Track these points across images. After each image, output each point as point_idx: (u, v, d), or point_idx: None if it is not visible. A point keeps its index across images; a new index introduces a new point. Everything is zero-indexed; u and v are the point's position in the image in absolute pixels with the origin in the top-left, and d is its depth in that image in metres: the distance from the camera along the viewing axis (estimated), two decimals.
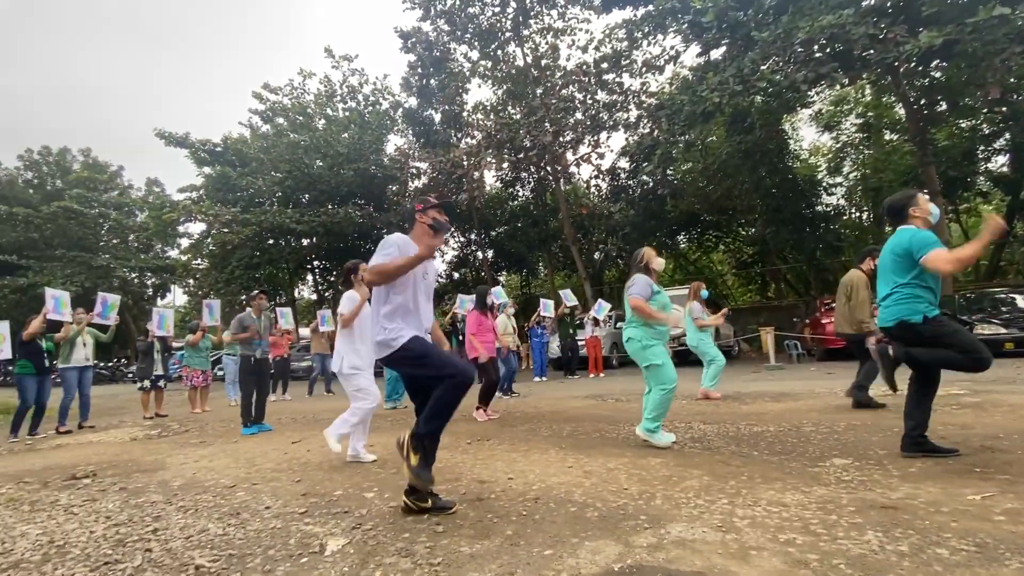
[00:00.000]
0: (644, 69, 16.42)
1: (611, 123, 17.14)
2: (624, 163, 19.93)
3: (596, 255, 22.73)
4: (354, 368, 3.97)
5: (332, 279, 26.64)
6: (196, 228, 22.61)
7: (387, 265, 2.49)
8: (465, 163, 16.27)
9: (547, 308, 10.69)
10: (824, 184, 20.37)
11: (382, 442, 4.50)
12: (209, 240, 21.09)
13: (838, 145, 20.89)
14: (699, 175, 19.22)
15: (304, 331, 19.79)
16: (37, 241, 25.10)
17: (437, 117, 20.08)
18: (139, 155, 58.23)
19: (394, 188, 19.93)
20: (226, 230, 18.42)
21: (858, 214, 22.50)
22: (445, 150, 17.11)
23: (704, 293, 6.50)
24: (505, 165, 20.41)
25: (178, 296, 31.74)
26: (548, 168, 18.54)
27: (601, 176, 20.23)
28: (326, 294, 26.45)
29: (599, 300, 11.47)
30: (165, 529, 2.57)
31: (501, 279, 27.39)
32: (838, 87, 14.46)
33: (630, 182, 20.16)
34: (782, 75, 10.46)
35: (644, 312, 3.79)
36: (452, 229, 2.93)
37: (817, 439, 3.80)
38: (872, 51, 9.56)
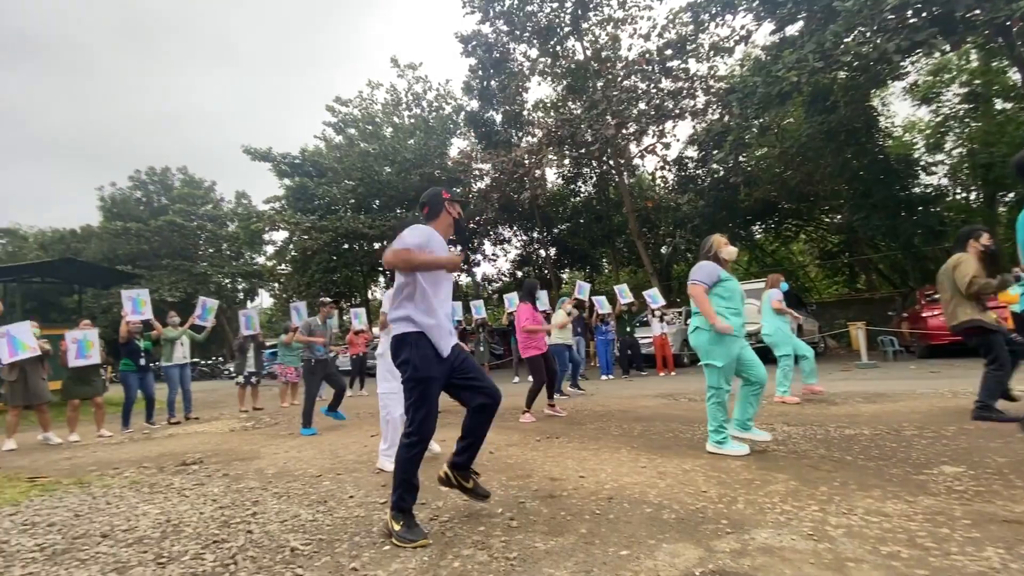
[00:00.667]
0: (712, 52, 15.66)
1: (677, 111, 16.50)
2: (692, 152, 19.13)
3: (663, 249, 22.00)
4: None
5: None
6: (280, 236, 24.33)
7: (415, 255, 2.29)
8: (526, 162, 16.31)
9: (602, 305, 10.46)
10: (922, 163, 18.43)
11: (452, 436, 4.61)
12: (291, 247, 22.67)
13: (938, 119, 18.82)
14: (775, 160, 18.05)
15: (377, 330, 20.80)
16: (147, 252, 28.08)
17: (498, 118, 20.28)
18: (229, 171, 63.79)
19: (457, 191, 20.37)
20: (306, 237, 19.69)
21: (964, 194, 20.17)
22: (507, 150, 17.25)
23: (783, 286, 6.08)
24: (566, 161, 20.31)
25: (265, 299, 34.36)
26: (611, 162, 18.19)
27: (667, 167, 19.55)
28: None
29: (646, 292, 11.07)
30: (263, 513, 2.79)
31: (564, 276, 27.25)
32: (937, 55, 13.04)
33: (699, 171, 19.31)
34: (870, 46, 9.57)
35: (701, 304, 3.45)
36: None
37: (921, 444, 3.45)
38: (978, 11, 8.53)
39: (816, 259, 24.29)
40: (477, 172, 19.16)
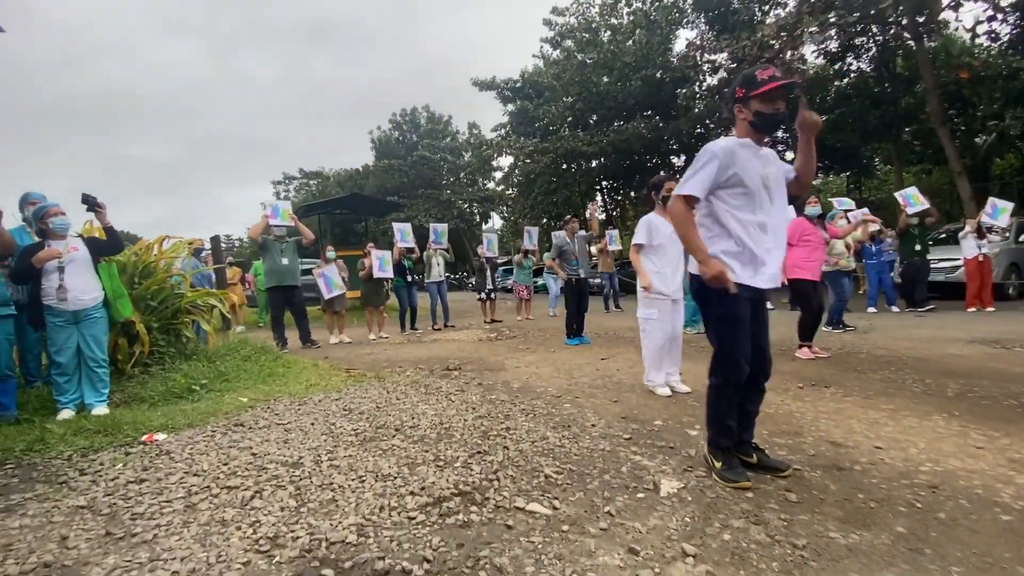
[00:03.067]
0: None
1: None
2: None
3: (979, 139, 16.13)
4: (657, 293, 3.77)
5: (619, 198, 27.06)
6: (505, 162, 25.90)
7: (684, 226, 2.09)
8: (775, 42, 13.31)
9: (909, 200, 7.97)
10: None
11: (693, 371, 4.27)
12: (516, 171, 23.97)
13: None
14: None
15: (592, 249, 21.00)
16: (407, 184, 33.36)
17: None
18: (462, 105, 70.50)
19: (683, 91, 18.14)
20: (527, 160, 20.47)
21: None
22: (748, 32, 14.34)
23: None
24: (832, 32, 15.92)
25: (496, 221, 37.88)
26: (903, 21, 13.55)
27: (1000, 15, 13.65)
28: (614, 213, 27.16)
29: (992, 201, 7.90)
30: (514, 430, 2.99)
31: (817, 183, 22.59)
32: None
33: None
34: None
35: None
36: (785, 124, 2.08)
37: None
38: None
39: None
40: (708, 65, 16.62)
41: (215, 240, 6.86)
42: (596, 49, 19.17)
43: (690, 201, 2.09)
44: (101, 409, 3.63)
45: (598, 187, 25.44)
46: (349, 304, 8.85)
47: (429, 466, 2.47)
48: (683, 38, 19.50)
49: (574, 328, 6.41)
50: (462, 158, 34.76)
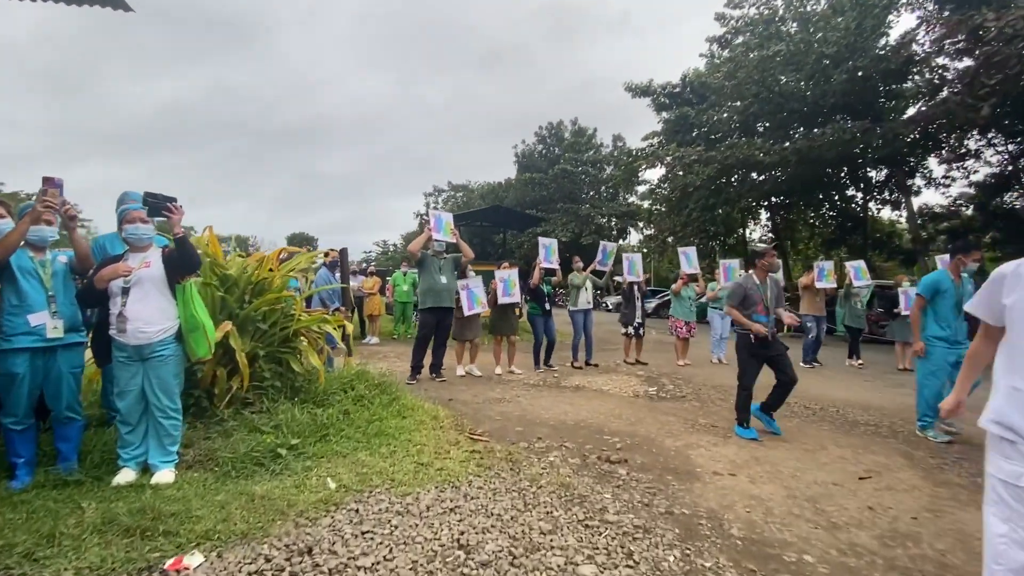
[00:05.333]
0: None
1: None
2: None
3: None
4: (1010, 432, 1.54)
5: (791, 217, 22.96)
6: (652, 175, 23.58)
7: None
8: None
9: None
10: None
11: None
12: (666, 184, 21.57)
13: None
14: None
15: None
16: (546, 197, 32.66)
17: None
18: (610, 119, 68.89)
19: (899, 87, 14.42)
20: (680, 172, 18.07)
21: None
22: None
23: None
24: None
25: (632, 237, 35.29)
26: None
27: None
28: (783, 233, 23.15)
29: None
30: None
31: None
32: None
33: None
34: None
35: None
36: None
37: None
38: None
39: None
40: (950, 50, 12.86)
41: (343, 253, 6.20)
42: (782, 43, 16.23)
43: None
44: (165, 474, 2.78)
45: (765, 203, 21.89)
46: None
47: None
48: (906, 20, 15.61)
49: (748, 412, 4.29)
50: (604, 171, 33.12)
